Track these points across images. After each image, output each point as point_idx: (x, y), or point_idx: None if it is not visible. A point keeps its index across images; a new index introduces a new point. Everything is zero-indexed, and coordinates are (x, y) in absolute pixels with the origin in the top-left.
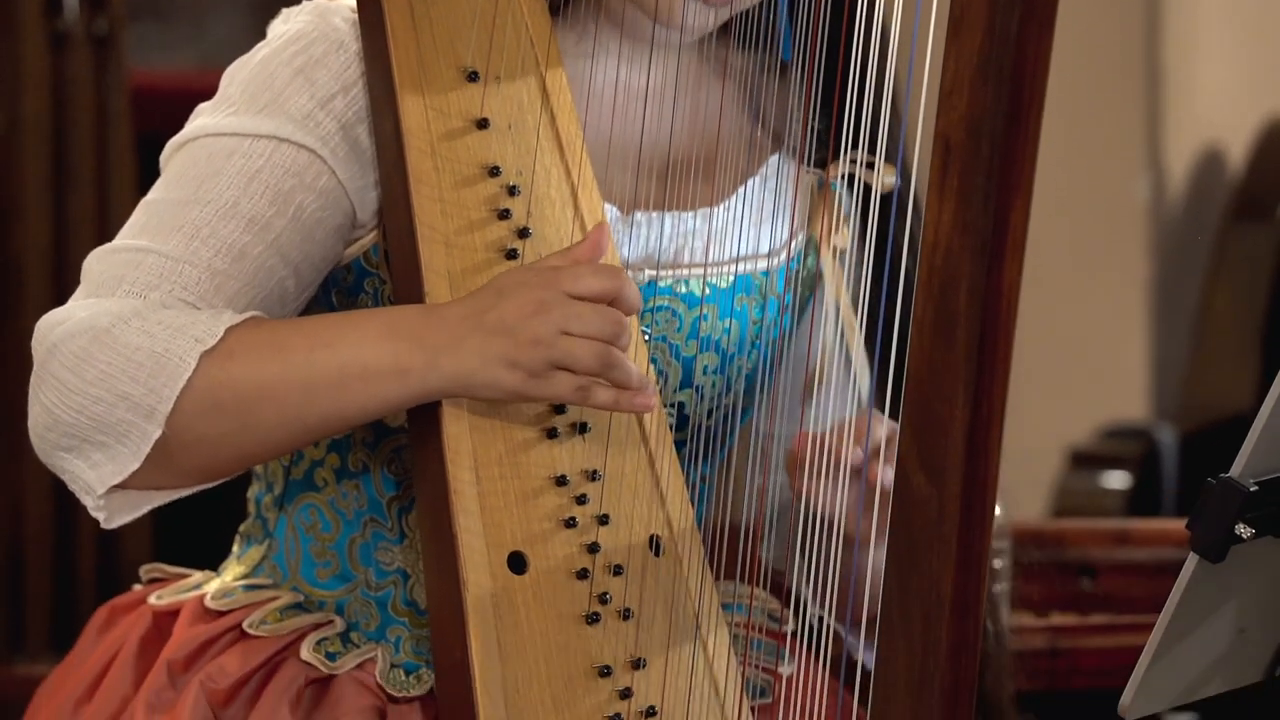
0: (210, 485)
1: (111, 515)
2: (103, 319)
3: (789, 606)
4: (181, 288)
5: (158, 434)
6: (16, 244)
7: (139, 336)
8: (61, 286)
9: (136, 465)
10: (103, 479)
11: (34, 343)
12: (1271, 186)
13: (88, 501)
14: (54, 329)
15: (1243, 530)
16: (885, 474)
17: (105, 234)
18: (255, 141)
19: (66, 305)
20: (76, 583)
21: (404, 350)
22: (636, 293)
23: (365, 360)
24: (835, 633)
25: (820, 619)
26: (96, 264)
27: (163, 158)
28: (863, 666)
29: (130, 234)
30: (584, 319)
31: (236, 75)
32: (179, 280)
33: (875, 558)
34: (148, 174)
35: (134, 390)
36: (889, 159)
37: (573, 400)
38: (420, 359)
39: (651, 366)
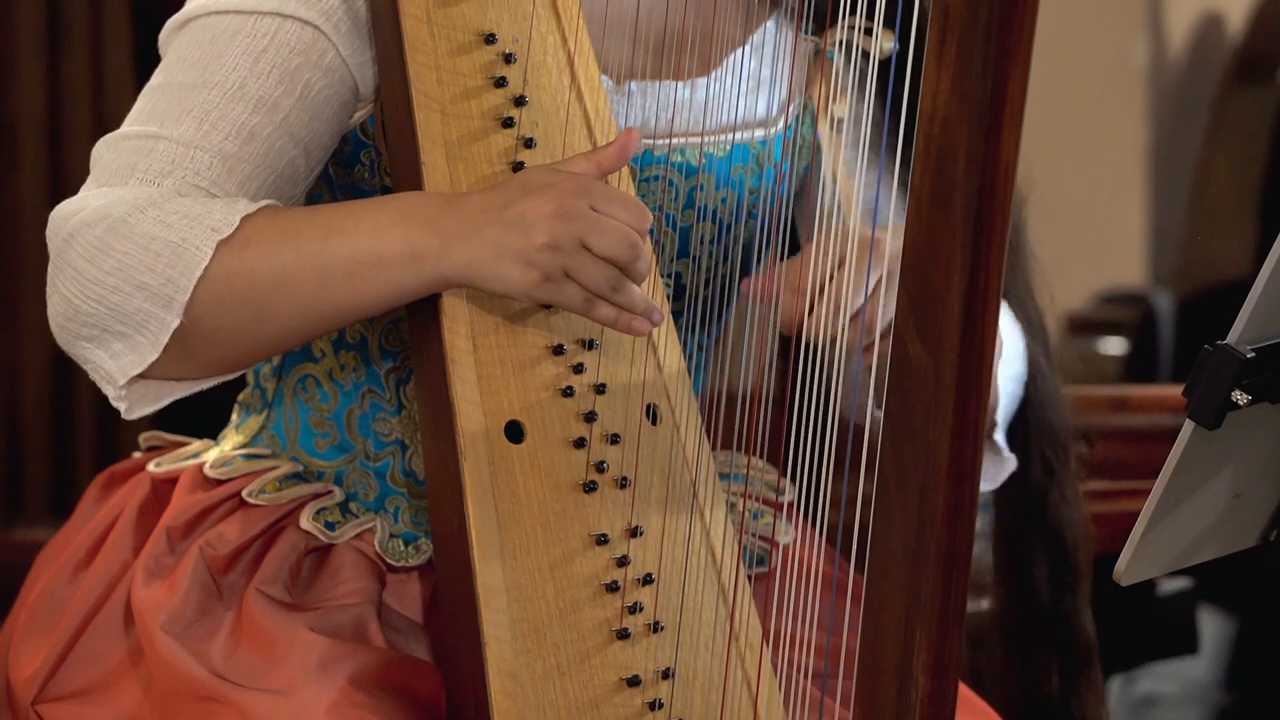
0: (229, 377)
1: (133, 406)
2: (118, 208)
3: (786, 474)
4: (194, 173)
5: (176, 323)
6: (11, 105)
7: (155, 226)
8: (56, 148)
9: (156, 355)
10: (123, 369)
11: (49, 233)
12: (1271, 50)
13: (109, 391)
14: (69, 219)
15: (1239, 397)
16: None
17: (100, 96)
18: (259, 19)
19: (79, 194)
20: (75, 449)
21: (417, 236)
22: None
23: (379, 246)
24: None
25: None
26: (106, 151)
27: (162, 38)
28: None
29: (138, 120)
30: (607, 236)
31: None
32: (191, 166)
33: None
34: (142, 35)
35: (152, 280)
36: (887, 25)
37: (577, 309)
38: (434, 245)
39: (649, 238)
